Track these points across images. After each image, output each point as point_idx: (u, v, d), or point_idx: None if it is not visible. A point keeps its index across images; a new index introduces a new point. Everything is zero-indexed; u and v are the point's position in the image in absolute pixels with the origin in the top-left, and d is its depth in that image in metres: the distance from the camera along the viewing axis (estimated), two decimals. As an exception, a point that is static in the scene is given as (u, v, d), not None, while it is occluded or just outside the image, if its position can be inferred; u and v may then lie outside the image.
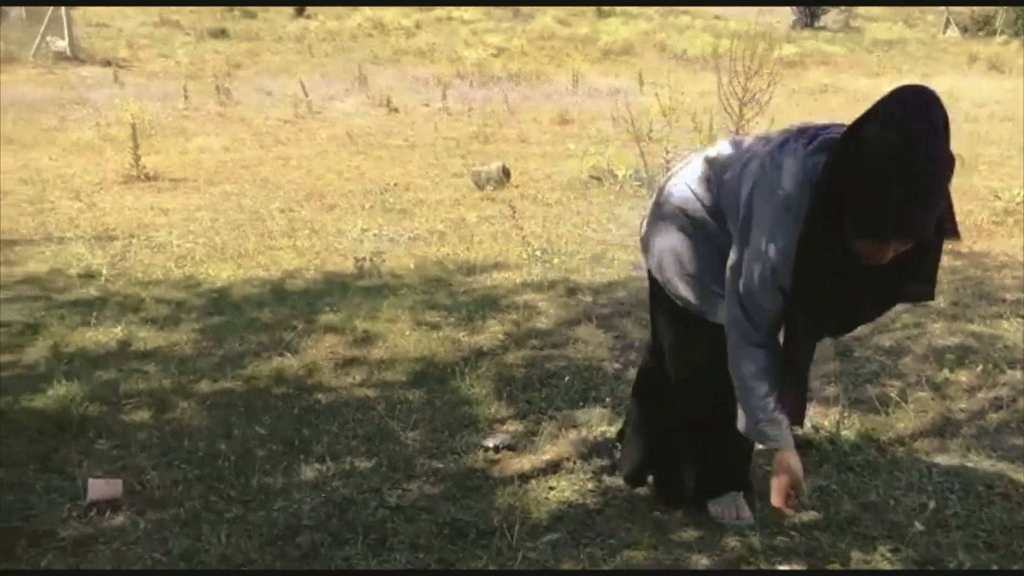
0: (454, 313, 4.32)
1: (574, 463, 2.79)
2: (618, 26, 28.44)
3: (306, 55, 19.26)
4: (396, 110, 13.54)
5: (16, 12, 16.06)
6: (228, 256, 5.68)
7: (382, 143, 11.01)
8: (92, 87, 13.36)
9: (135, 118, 8.49)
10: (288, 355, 3.76)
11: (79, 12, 17.57)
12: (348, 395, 3.38)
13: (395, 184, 8.49)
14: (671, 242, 2.29)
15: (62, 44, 15.17)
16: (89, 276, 5.12)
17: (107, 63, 15.15)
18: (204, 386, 3.46)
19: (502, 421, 3.15)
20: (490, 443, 2.92)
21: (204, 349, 3.87)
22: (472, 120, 12.74)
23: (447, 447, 2.95)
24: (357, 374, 3.58)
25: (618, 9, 33.39)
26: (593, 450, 2.89)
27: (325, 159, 9.85)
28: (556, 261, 5.42)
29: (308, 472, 2.80)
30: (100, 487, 2.62)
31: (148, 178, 8.27)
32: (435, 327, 4.11)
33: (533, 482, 2.69)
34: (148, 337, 4.01)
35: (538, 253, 5.52)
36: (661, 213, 2.33)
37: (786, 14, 32.56)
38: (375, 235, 6.33)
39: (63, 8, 14.98)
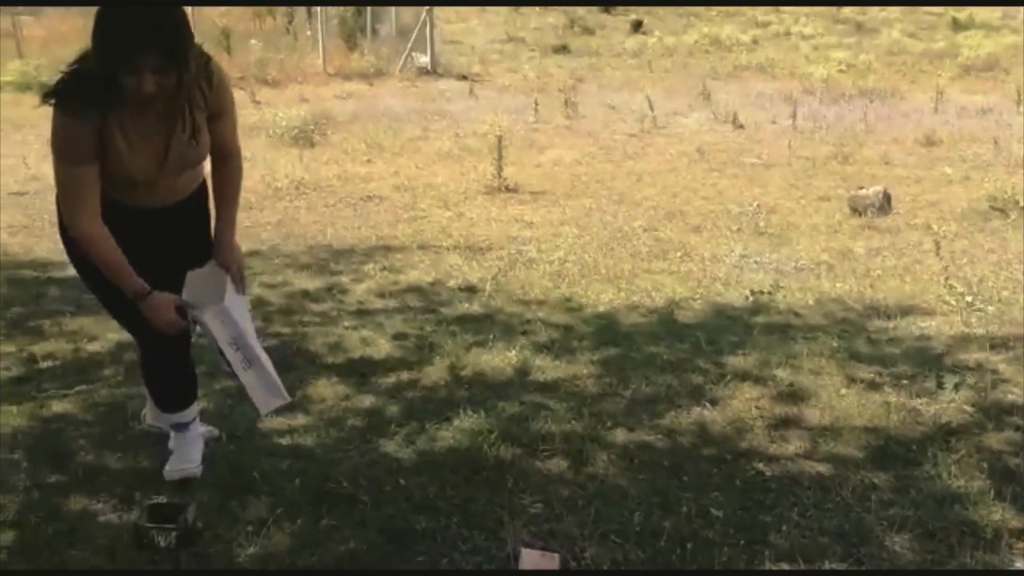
0: (889, 369, 3.60)
1: None
2: (980, 39, 25.59)
3: (645, 70, 19.06)
4: (742, 127, 12.84)
5: (387, 30, 17.29)
6: (604, 277, 5.32)
7: (734, 161, 10.36)
8: (450, 100, 13.94)
9: (500, 130, 8.49)
10: (708, 407, 3.25)
11: (436, 29, 18.57)
12: (795, 469, 2.79)
13: (757, 205, 7.82)
14: None
15: (424, 60, 16.06)
16: (470, 290, 4.97)
17: (463, 77, 15.83)
18: (620, 435, 3.03)
19: (1019, 535, 2.40)
20: (1022, 566, 2.20)
21: (608, 387, 3.47)
22: (826, 139, 11.71)
23: (955, 562, 2.27)
24: (797, 441, 2.98)
25: (978, 20, 30.17)
26: None
27: (677, 176, 9.39)
28: (991, 310, 4.49)
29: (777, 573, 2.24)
30: (535, 558, 2.24)
31: (509, 190, 8.24)
32: (873, 386, 3.42)
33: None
34: (545, 366, 3.69)
35: (968, 299, 4.61)
36: None
37: None
38: (756, 263, 5.71)
39: (428, 27, 15.85)
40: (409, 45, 16.19)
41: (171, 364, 2.68)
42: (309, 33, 17.01)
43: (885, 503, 2.57)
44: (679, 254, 6.04)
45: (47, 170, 8.63)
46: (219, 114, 2.48)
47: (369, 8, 17.11)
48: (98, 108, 2.24)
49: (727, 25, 26.01)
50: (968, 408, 3.18)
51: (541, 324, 4.28)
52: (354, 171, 9.05)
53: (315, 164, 9.24)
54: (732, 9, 31.26)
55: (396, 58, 16.10)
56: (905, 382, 3.42)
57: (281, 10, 17.75)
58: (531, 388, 3.49)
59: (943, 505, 2.56)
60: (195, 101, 2.37)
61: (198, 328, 2.57)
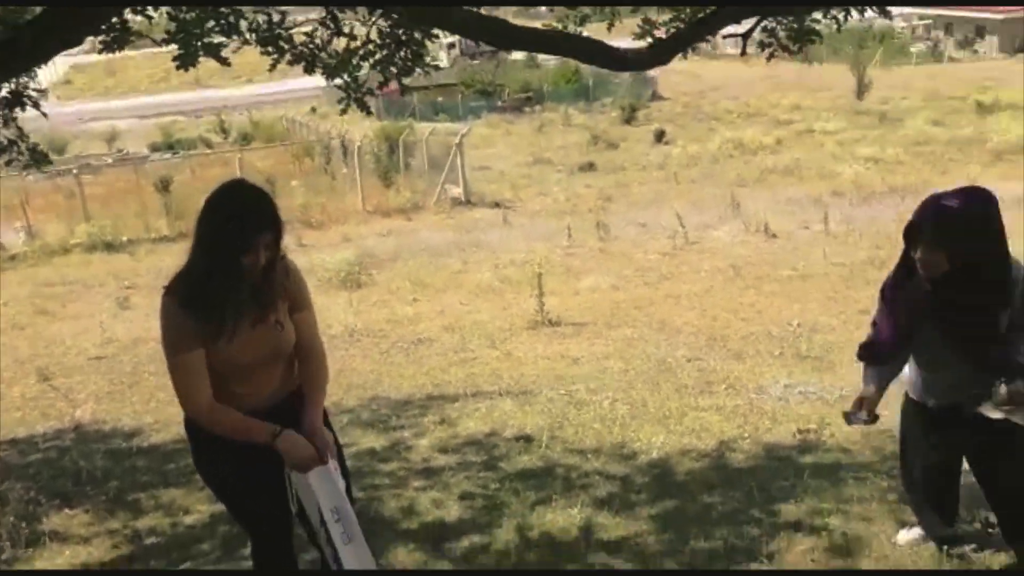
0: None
1: None
2: (1008, 122, 25.90)
3: (672, 182, 19.51)
4: (775, 236, 13.06)
5: (419, 163, 18.08)
6: (653, 417, 5.54)
7: (769, 275, 10.58)
8: (485, 229, 14.46)
9: (538, 265, 8.85)
10: (765, 562, 3.43)
11: (466, 157, 19.32)
12: (856, 629, 2.96)
13: (798, 324, 8.02)
14: None
15: (457, 191, 16.74)
16: (527, 440, 5.20)
17: (495, 205, 16.46)
18: (687, 598, 3.22)
19: None
20: None
21: (670, 545, 3.65)
22: (860, 243, 11.91)
23: None
24: (855, 597, 3.15)
25: (1003, 102, 30.56)
26: None
27: (714, 296, 9.63)
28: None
29: None
30: None
31: (552, 323, 8.54)
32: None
33: None
34: (608, 524, 3.89)
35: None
36: None
37: None
38: (800, 393, 5.89)
39: (459, 157, 16.55)
40: (442, 177, 16.90)
41: (278, 561, 2.91)
42: (346, 171, 17.84)
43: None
44: (724, 386, 6.24)
45: (121, 332, 9.21)
46: (298, 306, 2.72)
47: (401, 144, 17.95)
48: (211, 300, 2.52)
49: (749, 128, 26.65)
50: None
51: (599, 477, 4.49)
52: (402, 312, 9.44)
53: (364, 307, 9.66)
54: (753, 110, 32.10)
55: (430, 191, 16.82)
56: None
57: (318, 150, 18.68)
58: (597, 548, 3.68)
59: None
60: (277, 289, 2.64)
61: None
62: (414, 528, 4.02)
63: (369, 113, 4.54)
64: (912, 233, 2.94)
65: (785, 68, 46.05)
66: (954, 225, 2.83)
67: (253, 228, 2.50)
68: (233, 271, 2.52)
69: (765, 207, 14.96)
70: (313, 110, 35.29)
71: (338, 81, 4.18)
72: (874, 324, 3.14)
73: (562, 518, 4.00)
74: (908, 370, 3.24)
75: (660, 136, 26.25)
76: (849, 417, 3.13)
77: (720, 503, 4.06)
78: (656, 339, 7.85)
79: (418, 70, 4.28)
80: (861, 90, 32.34)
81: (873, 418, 3.12)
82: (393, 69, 4.15)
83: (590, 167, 21.44)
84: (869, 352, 3.11)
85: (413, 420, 5.76)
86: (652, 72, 38.57)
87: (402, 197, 16.62)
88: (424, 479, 4.65)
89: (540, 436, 5.20)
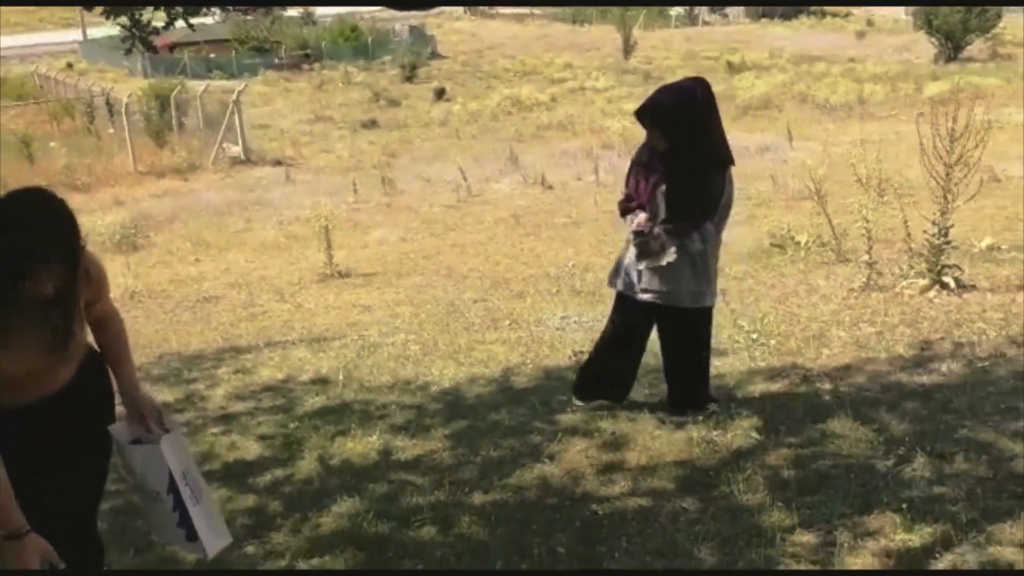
0: (696, 410, 4.31)
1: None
2: (752, 81, 28.23)
3: (454, 138, 19.91)
4: (551, 187, 13.75)
5: (194, 123, 17.37)
6: (444, 353, 5.85)
7: (547, 223, 11.18)
8: (267, 187, 14.23)
9: (325, 219, 8.91)
10: (547, 462, 3.84)
11: (244, 115, 18.79)
12: (622, 506, 3.41)
13: (573, 265, 8.59)
14: None
15: (236, 149, 16.29)
16: (323, 382, 5.37)
17: (277, 163, 16.18)
18: (477, 498, 3.56)
19: (790, 531, 3.10)
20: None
21: (462, 457, 3.99)
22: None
23: (743, 561, 2.93)
24: (622, 481, 3.61)
25: (749, 62, 33.23)
26: (902, 565, 2.81)
27: (498, 244, 10.08)
28: (773, 343, 5.34)
29: (614, 592, 2.82)
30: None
31: (341, 275, 8.67)
32: (680, 426, 4.11)
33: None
34: (405, 446, 4.17)
35: (753, 336, 5.46)
36: None
37: (927, 49, 31.60)
38: (575, 323, 6.40)
39: (236, 115, 16.09)
40: (220, 135, 16.37)
41: None
42: (112, 131, 16.85)
43: (692, 522, 3.23)
44: (507, 322, 6.66)
45: None
46: (96, 298, 2.51)
47: (173, 101, 17.19)
48: None
49: (525, 86, 27.52)
50: (754, 434, 3.92)
51: (395, 407, 4.76)
52: (185, 272, 9.23)
53: (144, 269, 9.36)
54: (528, 69, 33.08)
55: (207, 150, 16.26)
56: (700, 418, 4.14)
57: (80, 109, 17.51)
58: (396, 468, 3.96)
59: (737, 517, 3.24)
60: (78, 295, 2.37)
61: None
62: (216, 468, 4.13)
63: (155, 52, 4.49)
64: (640, 118, 3.75)
65: (557, 29, 47.77)
66: (667, 112, 3.67)
67: (38, 260, 2.22)
68: (8, 296, 2.24)
69: (542, 160, 15.67)
70: (70, 66, 32.74)
71: (122, 19, 4.11)
72: (626, 186, 4.00)
73: (361, 445, 4.24)
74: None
75: (441, 93, 26.57)
76: (642, 234, 3.84)
77: (507, 419, 4.44)
78: (444, 285, 8.17)
79: (205, 9, 4.27)
80: (627, 50, 34.11)
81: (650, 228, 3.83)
82: (179, 8, 4.13)
83: (373, 124, 21.45)
84: (624, 208, 3.99)
85: (207, 372, 5.77)
86: (431, 31, 38.77)
87: (177, 157, 15.96)
88: (222, 425, 4.73)
89: (336, 377, 5.39)
